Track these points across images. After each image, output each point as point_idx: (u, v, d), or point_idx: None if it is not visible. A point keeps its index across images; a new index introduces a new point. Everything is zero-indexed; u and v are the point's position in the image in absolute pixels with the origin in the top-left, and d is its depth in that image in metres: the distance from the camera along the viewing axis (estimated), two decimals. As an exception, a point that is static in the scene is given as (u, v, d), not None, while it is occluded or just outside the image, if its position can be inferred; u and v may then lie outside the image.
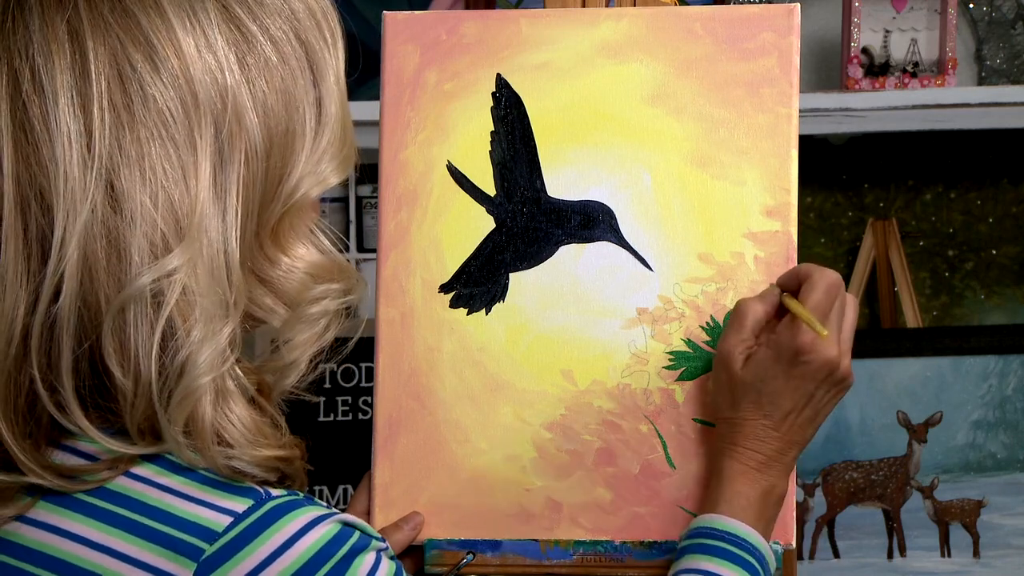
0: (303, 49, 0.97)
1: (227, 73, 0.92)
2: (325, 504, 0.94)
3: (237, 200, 0.93)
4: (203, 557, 0.89)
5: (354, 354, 2.04)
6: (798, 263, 1.26)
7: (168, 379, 0.90)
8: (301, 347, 0.99)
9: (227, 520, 0.90)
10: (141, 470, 0.92)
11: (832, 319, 1.15)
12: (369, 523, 1.28)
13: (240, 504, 0.91)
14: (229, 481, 0.92)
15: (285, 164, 0.95)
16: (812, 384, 1.15)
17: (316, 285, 0.99)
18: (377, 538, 0.95)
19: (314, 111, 0.97)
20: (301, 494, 0.94)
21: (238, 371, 0.94)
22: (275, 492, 0.93)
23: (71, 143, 0.89)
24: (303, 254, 0.98)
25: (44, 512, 0.93)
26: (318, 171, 0.98)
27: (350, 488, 2.04)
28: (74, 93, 0.89)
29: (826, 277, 1.16)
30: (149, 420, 0.91)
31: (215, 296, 0.91)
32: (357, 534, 0.93)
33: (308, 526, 0.91)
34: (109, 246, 0.89)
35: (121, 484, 0.92)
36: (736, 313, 1.20)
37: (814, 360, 1.14)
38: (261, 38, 0.94)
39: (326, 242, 1.01)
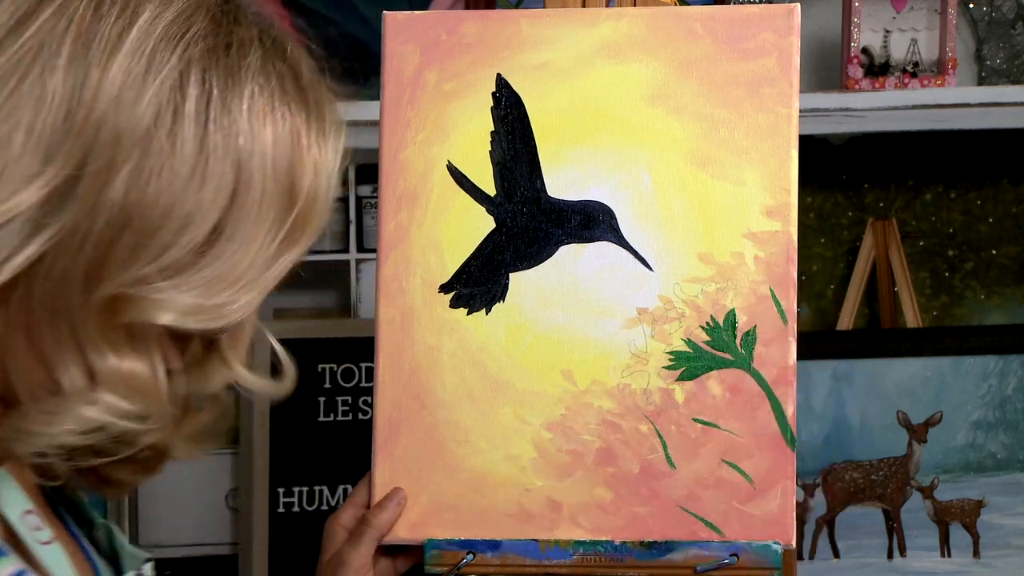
0: (234, 175, 0.85)
1: (135, 119, 0.82)
2: None
3: (55, 234, 0.82)
4: None
5: (354, 354, 2.06)
6: (798, 263, 1.26)
7: None
8: (51, 427, 0.85)
9: None
10: None
11: None
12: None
13: None
14: None
15: (142, 256, 0.83)
16: None
17: (113, 396, 0.86)
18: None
19: (199, 235, 0.85)
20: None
21: None
22: None
23: None
24: (132, 367, 0.86)
25: None
26: (175, 301, 0.85)
27: (350, 488, 2.04)
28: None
29: None
30: None
31: None
32: None
33: None
34: None
35: None
36: None
37: None
38: (193, 120, 0.84)
39: (161, 374, 0.88)
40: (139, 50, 0.83)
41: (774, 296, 1.26)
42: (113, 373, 0.85)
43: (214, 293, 0.86)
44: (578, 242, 1.29)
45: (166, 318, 0.84)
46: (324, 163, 0.89)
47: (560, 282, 1.29)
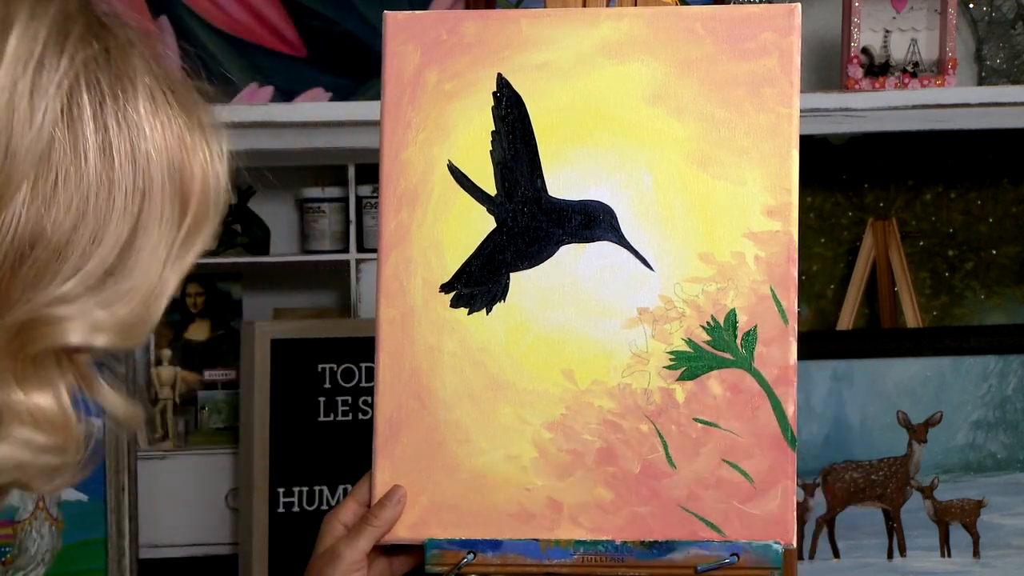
0: (141, 179, 0.82)
1: (26, 136, 0.77)
2: None
3: None
4: None
5: (354, 354, 2.06)
6: (798, 263, 1.26)
7: None
8: None
9: None
10: None
11: None
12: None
13: None
14: None
15: (48, 277, 0.79)
16: None
17: (25, 431, 0.81)
18: None
19: (116, 244, 0.81)
20: None
21: None
22: None
23: None
24: (40, 402, 0.81)
25: None
26: (92, 318, 0.80)
27: (350, 488, 2.04)
28: None
29: None
30: None
31: None
32: None
33: None
34: None
35: None
36: None
37: None
38: (92, 126, 0.80)
39: (67, 402, 0.82)
40: (23, 58, 0.78)
41: (775, 296, 1.26)
42: (20, 407, 0.80)
43: (137, 307, 0.82)
44: (579, 242, 1.29)
45: (98, 339, 0.81)
46: (211, 164, 0.86)
47: (561, 282, 1.29)
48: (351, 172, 2.15)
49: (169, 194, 0.83)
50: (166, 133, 0.83)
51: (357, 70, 2.23)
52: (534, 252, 1.29)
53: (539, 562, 1.26)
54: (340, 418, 2.06)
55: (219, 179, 0.86)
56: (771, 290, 1.26)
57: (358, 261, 2.15)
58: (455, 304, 1.29)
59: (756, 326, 1.26)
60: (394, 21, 1.32)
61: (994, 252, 2.29)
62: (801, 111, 1.28)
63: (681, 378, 1.27)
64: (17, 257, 0.78)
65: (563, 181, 1.29)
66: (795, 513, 1.25)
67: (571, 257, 1.29)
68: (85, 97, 0.79)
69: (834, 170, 2.27)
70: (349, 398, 2.07)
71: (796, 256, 1.26)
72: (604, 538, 1.26)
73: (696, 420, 1.26)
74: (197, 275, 2.22)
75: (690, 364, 1.27)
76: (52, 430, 0.81)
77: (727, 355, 1.26)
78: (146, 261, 0.82)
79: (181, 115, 0.85)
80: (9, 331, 0.79)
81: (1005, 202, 2.29)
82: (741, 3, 2.08)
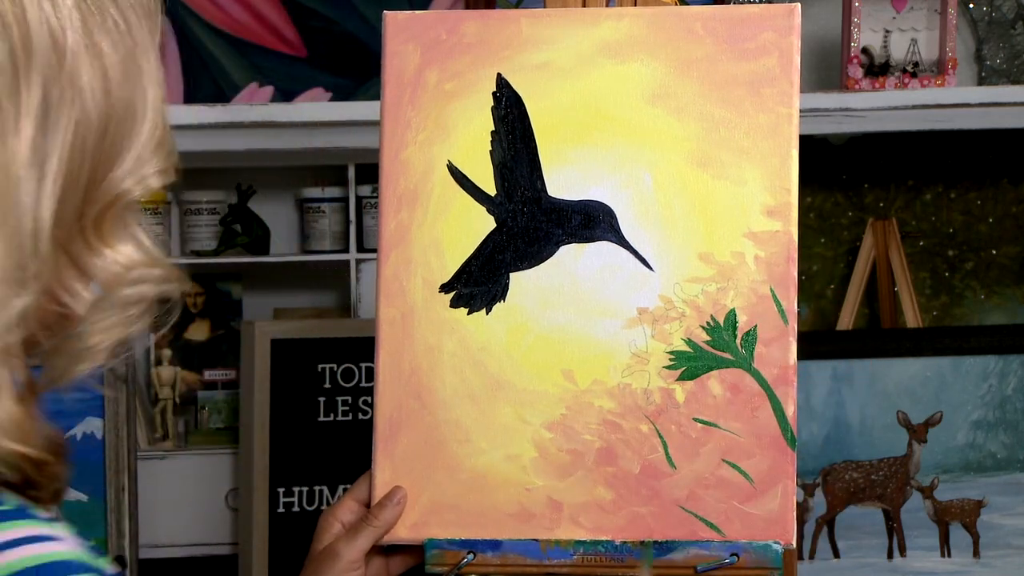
0: (146, 25, 0.88)
1: (68, 28, 0.82)
2: (65, 531, 0.81)
3: (59, 169, 0.82)
4: None
5: (354, 354, 2.06)
6: (798, 263, 1.26)
7: None
8: (105, 332, 0.87)
9: None
10: None
11: None
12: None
13: None
14: None
15: (123, 143, 0.86)
16: None
17: (135, 277, 0.88)
18: None
19: (152, 95, 0.88)
20: (35, 508, 0.82)
21: (19, 351, 0.83)
22: None
23: None
24: (129, 252, 0.87)
25: None
26: (151, 167, 0.88)
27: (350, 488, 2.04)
28: None
29: None
30: None
31: (12, 261, 0.81)
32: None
33: (12, 543, 0.79)
34: None
35: None
36: None
37: None
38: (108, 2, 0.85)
39: (148, 242, 0.90)
40: None
41: (774, 296, 1.26)
42: (141, 263, 0.87)
43: (172, 145, 0.89)
44: (578, 242, 1.29)
45: (155, 184, 0.88)
46: (157, 11, 0.92)
47: (560, 282, 1.29)
48: (351, 172, 2.15)
49: (154, 43, 0.89)
50: None
51: (357, 70, 2.23)
52: (534, 252, 1.30)
53: (539, 562, 1.26)
54: (340, 418, 2.06)
55: (162, 25, 0.91)
56: (771, 290, 1.26)
57: (358, 261, 2.15)
58: (455, 304, 1.30)
59: (756, 326, 1.26)
60: (394, 21, 1.32)
61: (994, 252, 2.29)
62: (801, 111, 1.28)
63: (681, 378, 1.27)
64: (102, 132, 0.84)
65: (563, 181, 1.29)
66: (795, 513, 1.25)
67: (571, 257, 1.29)
68: None
69: (834, 170, 2.27)
70: (349, 398, 2.07)
71: (796, 256, 1.26)
72: (604, 538, 1.26)
73: (696, 420, 1.26)
74: (197, 275, 2.22)
75: (690, 364, 1.27)
76: (153, 267, 0.88)
77: (727, 355, 1.26)
78: (164, 106, 0.89)
79: None
80: (99, 204, 0.85)
81: (1005, 202, 2.29)
82: (741, 3, 2.08)
